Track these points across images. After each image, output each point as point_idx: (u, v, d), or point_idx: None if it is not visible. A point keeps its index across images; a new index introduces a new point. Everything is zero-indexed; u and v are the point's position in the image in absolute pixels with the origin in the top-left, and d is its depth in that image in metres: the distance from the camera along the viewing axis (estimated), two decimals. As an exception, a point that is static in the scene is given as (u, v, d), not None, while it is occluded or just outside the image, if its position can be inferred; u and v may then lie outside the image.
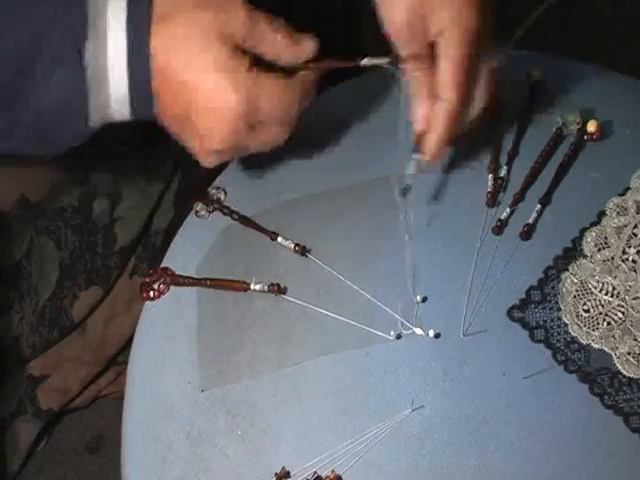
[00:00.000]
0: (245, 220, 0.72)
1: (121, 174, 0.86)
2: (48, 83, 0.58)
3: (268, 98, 0.61)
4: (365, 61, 0.64)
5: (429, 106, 0.64)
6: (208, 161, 0.64)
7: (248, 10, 0.60)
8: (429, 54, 0.63)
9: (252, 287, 0.68)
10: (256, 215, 0.72)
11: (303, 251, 0.69)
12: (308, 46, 0.62)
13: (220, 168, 0.76)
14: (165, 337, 0.68)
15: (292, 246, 0.69)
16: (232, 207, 0.73)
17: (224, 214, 0.72)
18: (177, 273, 0.70)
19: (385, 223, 0.70)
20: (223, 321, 0.67)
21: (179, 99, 0.60)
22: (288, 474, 0.60)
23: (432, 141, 0.65)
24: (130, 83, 0.59)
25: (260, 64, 0.61)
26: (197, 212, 0.73)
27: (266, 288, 0.67)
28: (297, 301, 0.67)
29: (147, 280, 0.70)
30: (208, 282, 0.69)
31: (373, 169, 0.73)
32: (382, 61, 0.64)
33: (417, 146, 0.67)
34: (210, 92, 0.59)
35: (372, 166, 0.73)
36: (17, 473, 1.05)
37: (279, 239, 0.70)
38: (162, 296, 0.70)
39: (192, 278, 0.70)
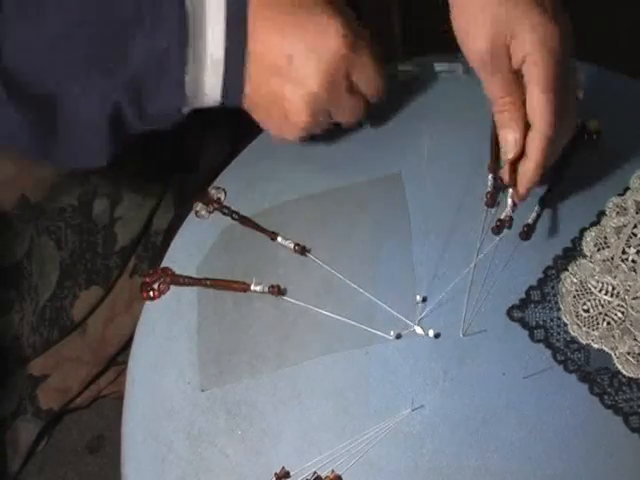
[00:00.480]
0: (245, 220, 0.72)
1: (121, 174, 0.86)
2: (147, 38, 0.59)
3: (367, 57, 0.64)
4: (438, 67, 0.68)
5: (520, 133, 0.63)
6: (301, 116, 0.65)
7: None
8: (516, 80, 0.62)
9: (252, 288, 0.68)
10: (256, 215, 0.72)
11: (303, 251, 0.69)
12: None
13: (220, 168, 0.76)
14: (165, 337, 0.68)
15: (292, 246, 0.69)
16: (232, 207, 0.73)
17: (224, 214, 0.72)
18: (177, 273, 0.70)
19: (385, 223, 0.70)
20: (223, 321, 0.68)
21: (285, 41, 0.62)
22: (288, 474, 0.60)
23: (528, 171, 0.63)
24: (227, 33, 0.61)
25: None
26: (197, 212, 0.73)
27: (266, 289, 0.67)
28: (297, 302, 0.67)
29: (147, 280, 0.70)
30: (208, 282, 0.69)
31: (373, 169, 0.73)
32: (454, 67, 0.68)
33: (499, 179, 0.67)
34: (319, 30, 0.61)
35: (372, 166, 0.73)
36: (17, 473, 1.05)
37: (279, 239, 0.70)
38: (162, 296, 0.70)
39: (192, 278, 0.70)
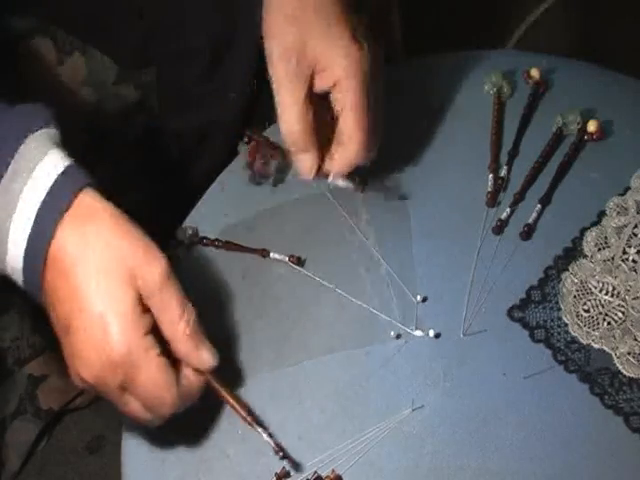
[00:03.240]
0: (230, 245, 0.70)
1: (121, 174, 0.86)
2: None
3: (148, 377, 0.54)
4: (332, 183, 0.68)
5: (317, 157, 0.65)
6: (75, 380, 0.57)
7: (166, 270, 0.54)
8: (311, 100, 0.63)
9: (271, 255, 0.68)
10: (256, 216, 0.72)
11: (298, 262, 0.68)
12: (206, 358, 0.57)
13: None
14: (165, 337, 0.68)
15: (286, 259, 0.68)
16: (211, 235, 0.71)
17: (204, 245, 0.70)
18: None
19: (385, 223, 0.70)
20: (223, 321, 0.67)
21: (65, 305, 0.54)
22: (288, 474, 0.60)
23: (346, 162, 0.65)
24: (25, 267, 0.54)
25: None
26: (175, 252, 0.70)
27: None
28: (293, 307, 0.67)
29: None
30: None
31: (372, 170, 0.73)
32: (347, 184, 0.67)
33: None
34: (97, 324, 0.53)
35: (371, 167, 0.73)
36: (17, 473, 1.05)
37: (271, 254, 0.69)
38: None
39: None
